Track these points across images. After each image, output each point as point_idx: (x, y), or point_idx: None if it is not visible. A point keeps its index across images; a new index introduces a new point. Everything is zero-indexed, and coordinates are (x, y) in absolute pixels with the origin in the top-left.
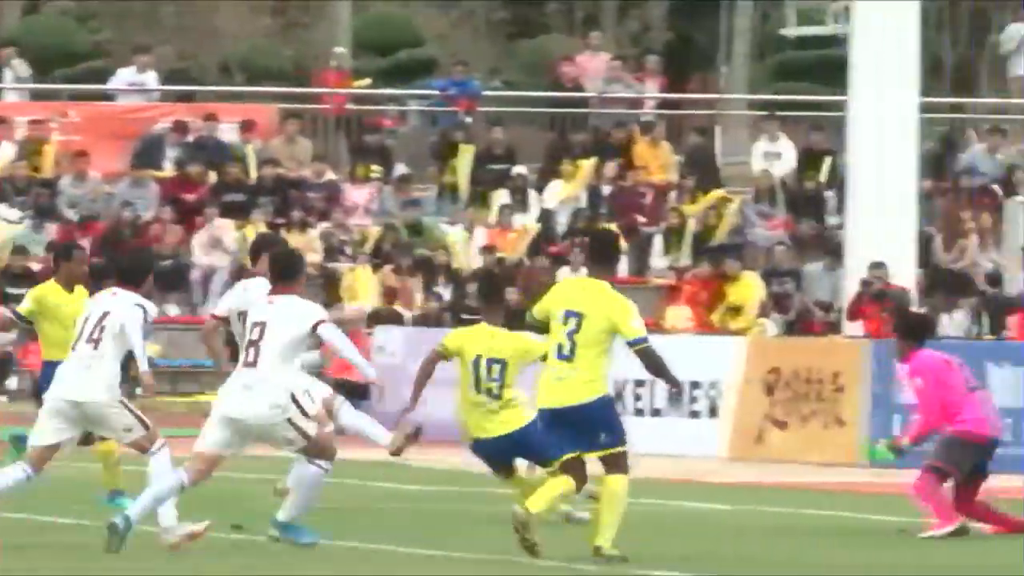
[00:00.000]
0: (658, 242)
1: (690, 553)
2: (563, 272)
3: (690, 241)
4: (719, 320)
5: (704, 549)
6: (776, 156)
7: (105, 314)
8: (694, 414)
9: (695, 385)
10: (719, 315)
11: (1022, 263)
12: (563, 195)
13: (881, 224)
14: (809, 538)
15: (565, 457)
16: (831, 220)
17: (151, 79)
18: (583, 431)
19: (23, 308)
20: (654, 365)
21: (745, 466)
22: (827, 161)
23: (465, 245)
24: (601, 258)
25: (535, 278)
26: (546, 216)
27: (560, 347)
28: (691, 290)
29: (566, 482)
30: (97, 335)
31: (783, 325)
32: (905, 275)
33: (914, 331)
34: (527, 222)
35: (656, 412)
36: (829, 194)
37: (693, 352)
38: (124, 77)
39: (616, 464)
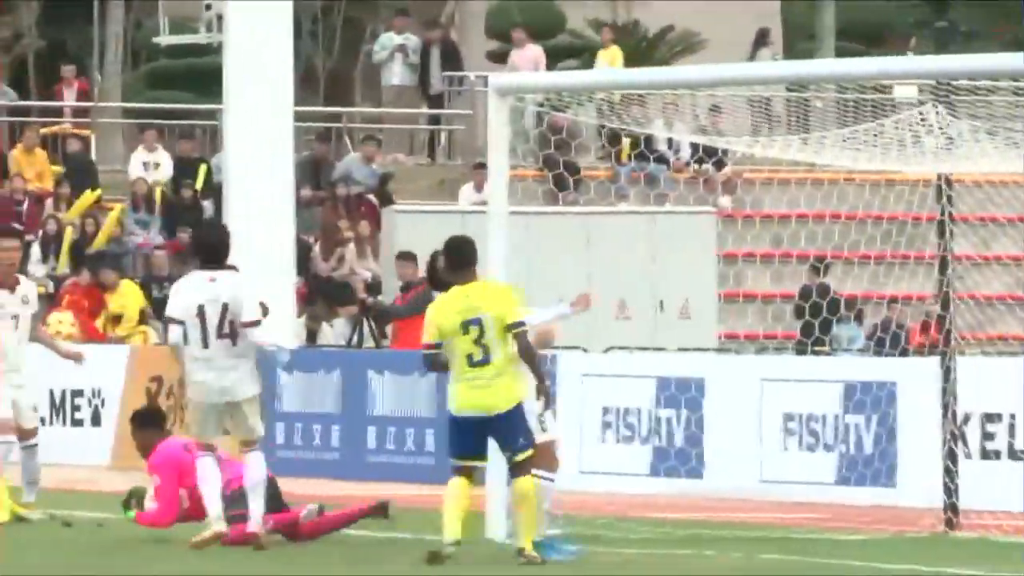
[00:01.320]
0: (35, 250)
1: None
2: None
3: (68, 249)
4: (101, 328)
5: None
6: (154, 165)
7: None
8: (78, 423)
9: (78, 393)
10: (101, 323)
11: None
12: None
13: (259, 232)
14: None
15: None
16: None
17: None
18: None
19: None
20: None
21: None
22: (202, 169)
23: None
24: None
25: None
26: None
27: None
28: (72, 298)
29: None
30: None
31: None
32: (284, 283)
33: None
34: None
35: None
36: (206, 203)
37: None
38: None
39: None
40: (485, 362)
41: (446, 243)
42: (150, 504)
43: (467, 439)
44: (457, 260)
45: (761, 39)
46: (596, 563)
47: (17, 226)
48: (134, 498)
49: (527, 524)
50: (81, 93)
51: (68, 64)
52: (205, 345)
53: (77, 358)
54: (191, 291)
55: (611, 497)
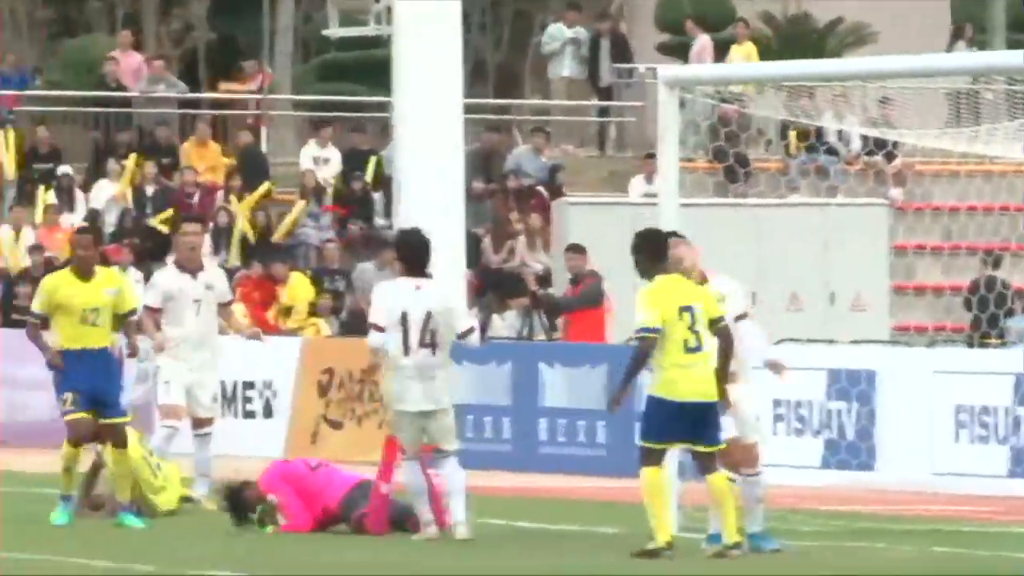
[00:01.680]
0: (207, 241)
1: (242, 551)
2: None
3: (239, 241)
4: (273, 320)
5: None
6: (323, 160)
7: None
8: (249, 414)
9: (249, 385)
10: (272, 315)
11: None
12: (110, 195)
13: (429, 225)
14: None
15: None
16: (379, 221)
17: None
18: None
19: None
20: None
21: None
22: (372, 162)
23: (13, 245)
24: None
25: None
26: (93, 216)
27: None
28: (243, 291)
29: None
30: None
31: (336, 325)
32: (455, 276)
33: None
34: (74, 222)
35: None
36: (376, 195)
37: (248, 352)
38: None
39: None
40: (698, 349)
41: (645, 234)
42: (281, 519)
43: (684, 425)
44: (658, 250)
45: (958, 33)
46: (769, 556)
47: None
48: (266, 515)
49: (732, 518)
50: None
51: (239, 57)
52: (406, 353)
53: (256, 336)
54: (396, 297)
55: (783, 490)
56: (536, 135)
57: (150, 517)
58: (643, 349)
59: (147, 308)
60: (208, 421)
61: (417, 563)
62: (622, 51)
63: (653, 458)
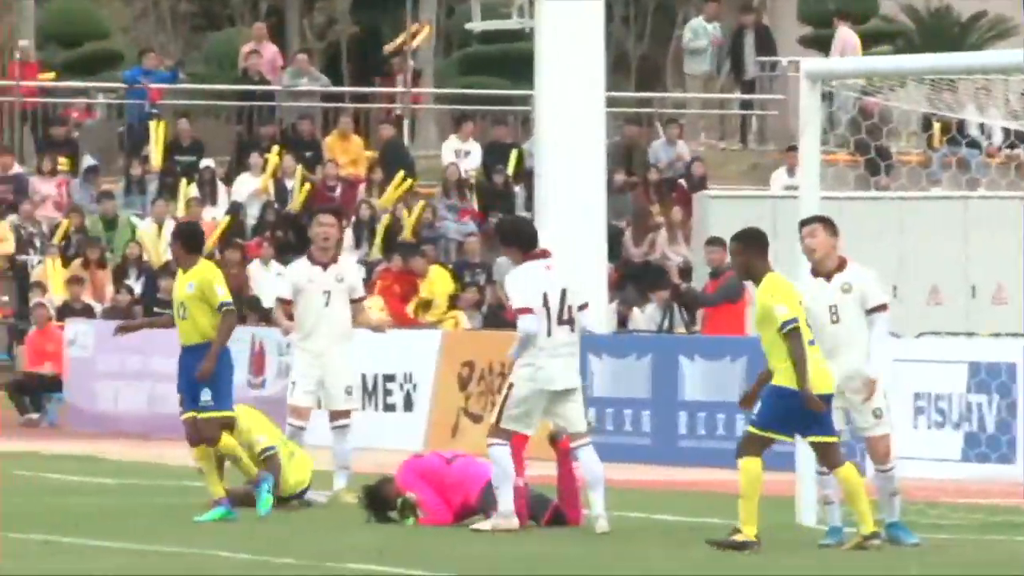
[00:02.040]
0: (348, 235)
1: (385, 545)
2: (255, 266)
3: (383, 235)
4: (412, 314)
5: (401, 539)
6: (464, 153)
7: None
8: (390, 407)
9: (390, 378)
10: (412, 308)
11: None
12: (251, 188)
13: (571, 217)
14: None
15: None
16: (521, 214)
17: None
18: None
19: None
20: None
21: None
22: (513, 155)
23: (155, 238)
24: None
25: (227, 272)
26: (235, 209)
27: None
28: (383, 284)
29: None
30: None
31: (477, 318)
32: (596, 269)
33: None
34: (216, 215)
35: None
36: (518, 188)
37: (389, 345)
38: None
39: None
40: (812, 343)
41: (751, 233)
42: (420, 513)
43: (807, 417)
44: (762, 247)
45: None
46: (908, 550)
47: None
48: (407, 508)
49: (866, 507)
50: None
51: (379, 51)
52: (548, 333)
53: (380, 329)
54: (534, 280)
55: (922, 483)
56: (673, 127)
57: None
58: (801, 341)
59: (279, 300)
60: (344, 413)
61: (556, 556)
62: (765, 44)
63: (757, 447)
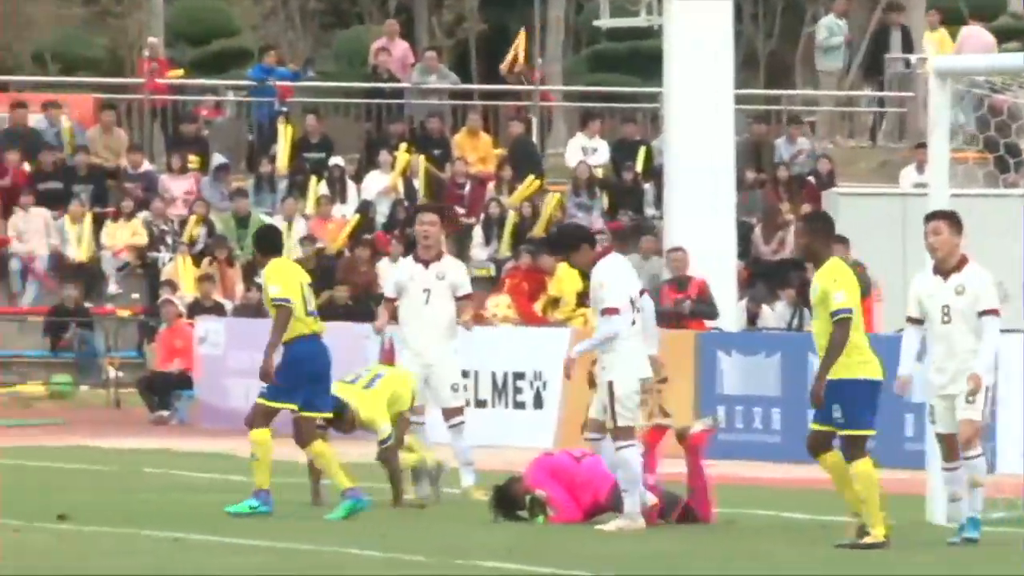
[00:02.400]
0: (477, 232)
1: (514, 543)
2: (384, 264)
3: (511, 232)
4: (541, 311)
5: (530, 536)
6: (592, 150)
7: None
8: (520, 405)
9: (519, 376)
10: (540, 306)
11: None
12: (381, 186)
13: (700, 215)
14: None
15: None
16: (650, 211)
17: None
18: None
19: None
20: None
21: None
22: (642, 152)
23: (285, 235)
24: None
25: (356, 270)
26: (364, 207)
27: None
28: (511, 282)
29: None
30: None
31: None
32: (726, 266)
33: None
34: (346, 213)
35: (481, 403)
36: (647, 186)
37: (519, 343)
38: None
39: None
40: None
41: (815, 215)
42: (550, 511)
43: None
44: (827, 231)
45: None
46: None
47: (457, 207)
48: (537, 506)
49: (876, 512)
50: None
51: (508, 48)
52: (633, 323)
53: (465, 325)
54: (625, 277)
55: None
56: (795, 125)
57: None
58: (847, 332)
59: (384, 298)
60: (456, 411)
61: (686, 553)
62: (908, 43)
63: (865, 447)
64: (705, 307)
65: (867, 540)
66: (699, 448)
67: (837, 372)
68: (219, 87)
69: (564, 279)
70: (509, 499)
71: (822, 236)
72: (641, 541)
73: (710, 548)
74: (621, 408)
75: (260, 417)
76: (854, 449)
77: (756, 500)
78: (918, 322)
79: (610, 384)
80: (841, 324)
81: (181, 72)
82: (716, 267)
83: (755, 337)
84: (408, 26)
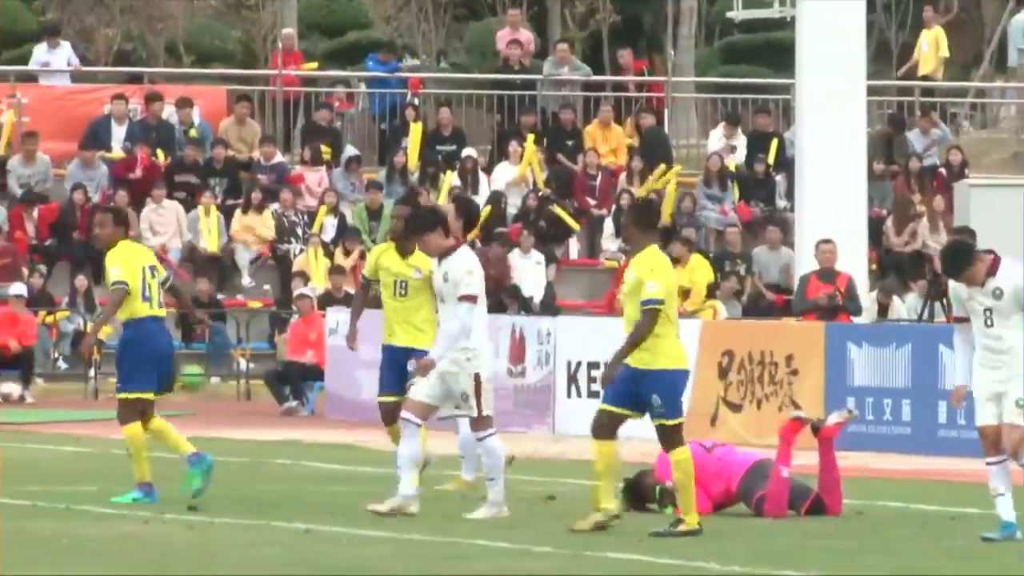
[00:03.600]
0: (608, 224)
1: (644, 533)
2: (515, 255)
3: None
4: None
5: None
6: (730, 148)
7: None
8: None
9: None
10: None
11: None
12: (511, 177)
13: (832, 206)
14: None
15: None
16: (781, 203)
17: (62, 56)
18: None
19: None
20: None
21: None
22: (775, 144)
23: None
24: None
25: (489, 261)
26: (496, 198)
27: None
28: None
29: None
30: None
31: (735, 307)
32: (857, 257)
33: None
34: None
35: None
36: (778, 178)
37: None
38: (38, 57)
39: None
40: None
41: (636, 204)
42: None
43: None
44: (648, 219)
45: None
46: None
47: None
48: (666, 496)
49: (691, 501)
50: (638, 73)
51: (640, 39)
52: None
53: None
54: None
55: None
56: (928, 117)
57: None
58: (655, 321)
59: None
60: (477, 423)
61: (812, 547)
62: None
63: (682, 434)
64: (850, 303)
65: (683, 528)
66: (832, 440)
67: (657, 362)
68: (351, 79)
69: (696, 270)
70: (641, 492)
71: (643, 223)
72: (766, 535)
73: (835, 541)
74: (486, 397)
75: (126, 412)
76: (675, 437)
77: (885, 492)
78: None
79: (476, 375)
80: (649, 314)
81: (314, 64)
82: (847, 258)
83: (885, 329)
84: (540, 18)
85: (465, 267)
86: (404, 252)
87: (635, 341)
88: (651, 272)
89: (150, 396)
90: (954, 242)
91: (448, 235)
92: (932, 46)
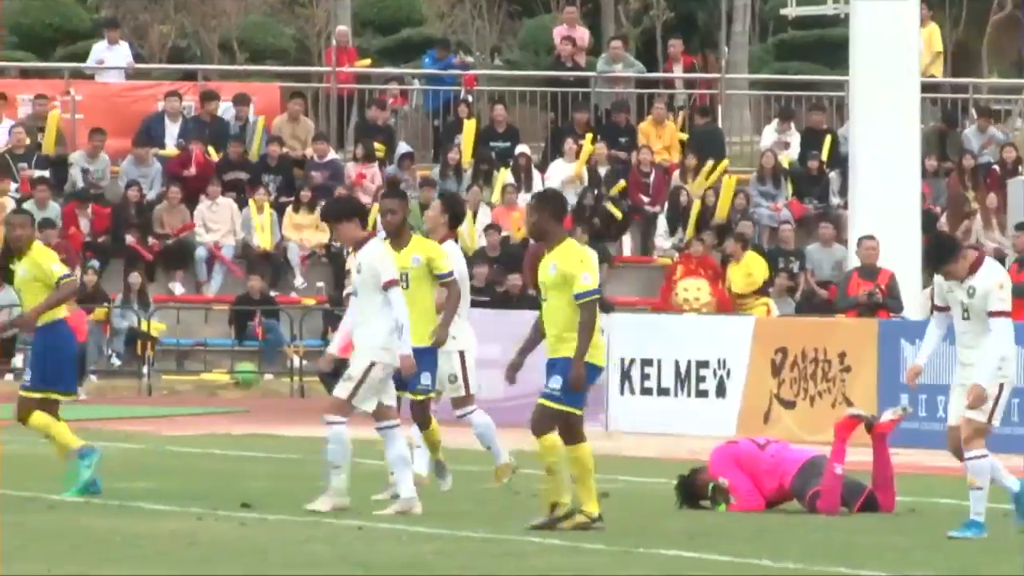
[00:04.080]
0: (662, 222)
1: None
2: None
3: (695, 220)
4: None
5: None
6: (784, 144)
7: None
8: (702, 393)
9: (703, 364)
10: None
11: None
12: (565, 174)
13: (885, 203)
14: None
15: None
16: (834, 200)
17: (120, 54)
18: None
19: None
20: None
21: None
22: (828, 140)
23: (469, 224)
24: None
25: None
26: None
27: None
28: (686, 268)
29: None
30: None
31: (788, 304)
32: (911, 254)
33: None
34: None
35: (664, 391)
36: (832, 174)
37: (702, 331)
38: (96, 54)
39: None
40: None
41: (543, 194)
42: (732, 499)
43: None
44: (558, 209)
45: None
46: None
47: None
48: (718, 493)
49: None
50: (687, 68)
51: (694, 35)
52: None
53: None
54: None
55: None
56: (984, 114)
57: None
58: (595, 311)
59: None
60: (460, 402)
61: (865, 545)
62: None
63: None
64: (891, 300)
65: (579, 519)
66: (886, 437)
67: (570, 351)
68: (405, 76)
69: (751, 266)
70: (694, 489)
71: (552, 215)
72: (819, 531)
73: (886, 538)
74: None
75: (23, 409)
76: (578, 428)
77: (938, 489)
78: None
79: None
80: (588, 306)
81: (368, 61)
82: (901, 255)
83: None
84: (594, 15)
85: (378, 256)
86: (399, 245)
87: (587, 337)
88: (581, 264)
89: (65, 397)
90: (940, 236)
91: (365, 227)
92: (927, 44)
